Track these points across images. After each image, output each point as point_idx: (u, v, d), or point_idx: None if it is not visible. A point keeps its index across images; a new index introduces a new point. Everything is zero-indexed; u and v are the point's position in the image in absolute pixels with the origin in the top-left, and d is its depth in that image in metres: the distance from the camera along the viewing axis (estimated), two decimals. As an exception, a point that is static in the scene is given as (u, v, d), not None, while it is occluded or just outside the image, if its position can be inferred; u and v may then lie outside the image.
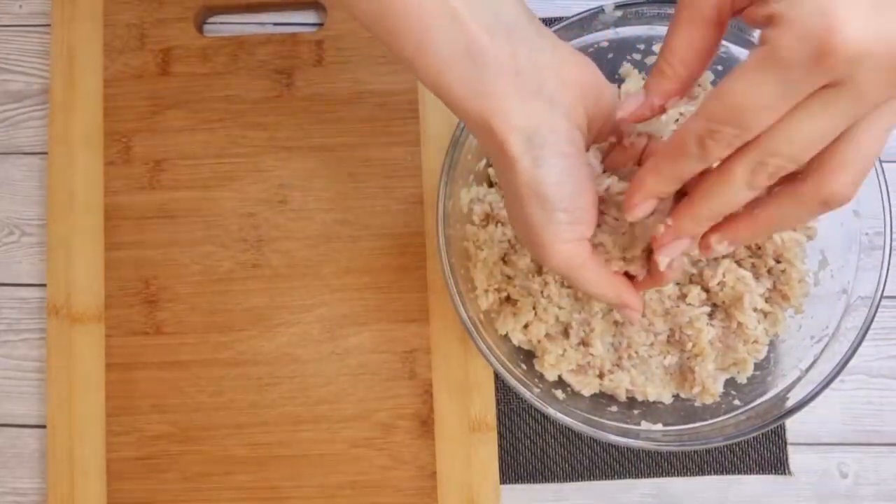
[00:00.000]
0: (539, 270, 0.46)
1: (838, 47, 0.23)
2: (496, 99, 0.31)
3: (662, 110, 0.31)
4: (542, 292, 0.46)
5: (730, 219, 0.31)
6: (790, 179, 0.29)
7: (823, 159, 0.27)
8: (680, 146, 0.28)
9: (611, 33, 0.45)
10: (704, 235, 0.32)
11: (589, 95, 0.32)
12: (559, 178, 0.31)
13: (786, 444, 0.51)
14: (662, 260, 0.32)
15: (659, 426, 0.44)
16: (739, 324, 0.44)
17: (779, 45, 0.24)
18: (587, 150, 0.34)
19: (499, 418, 0.51)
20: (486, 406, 0.50)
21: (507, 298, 0.47)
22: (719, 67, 0.47)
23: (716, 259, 0.45)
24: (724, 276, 0.44)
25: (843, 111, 0.25)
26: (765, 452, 0.50)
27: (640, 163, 0.35)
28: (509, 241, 0.46)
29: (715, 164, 0.29)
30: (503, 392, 0.51)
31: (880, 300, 0.42)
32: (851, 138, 0.26)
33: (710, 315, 0.45)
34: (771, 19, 0.25)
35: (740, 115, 0.26)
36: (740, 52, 0.45)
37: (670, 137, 0.29)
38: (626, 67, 0.48)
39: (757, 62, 0.25)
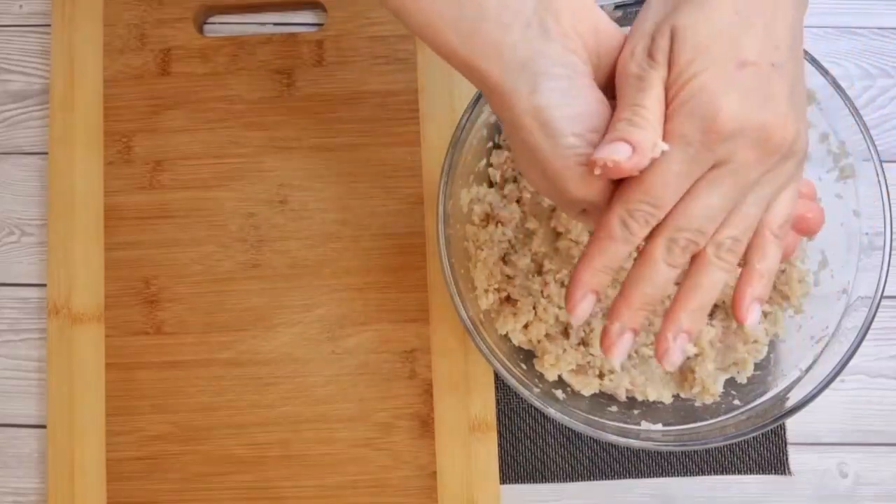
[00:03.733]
0: (539, 270, 0.46)
1: (720, 124, 0.29)
2: (484, 39, 0.31)
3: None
4: (542, 292, 0.46)
5: (669, 311, 0.33)
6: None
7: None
8: (606, 232, 0.31)
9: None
10: (659, 343, 0.33)
11: (586, 27, 0.32)
12: (561, 100, 0.31)
13: (786, 444, 0.51)
14: (615, 362, 0.33)
15: (659, 426, 0.44)
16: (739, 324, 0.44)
17: (676, 126, 0.30)
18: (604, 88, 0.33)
19: (499, 418, 0.51)
20: (486, 406, 0.50)
21: (507, 298, 0.47)
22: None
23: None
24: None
25: (728, 185, 0.30)
26: (765, 452, 0.50)
27: None
28: (509, 241, 0.47)
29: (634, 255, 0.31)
30: (503, 392, 0.51)
31: (880, 300, 0.42)
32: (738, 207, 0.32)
33: (710, 315, 0.45)
34: (668, 108, 0.30)
35: (651, 193, 0.30)
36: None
37: (595, 231, 0.32)
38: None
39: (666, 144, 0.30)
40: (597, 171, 0.30)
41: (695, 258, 0.32)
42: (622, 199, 0.31)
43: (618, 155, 0.29)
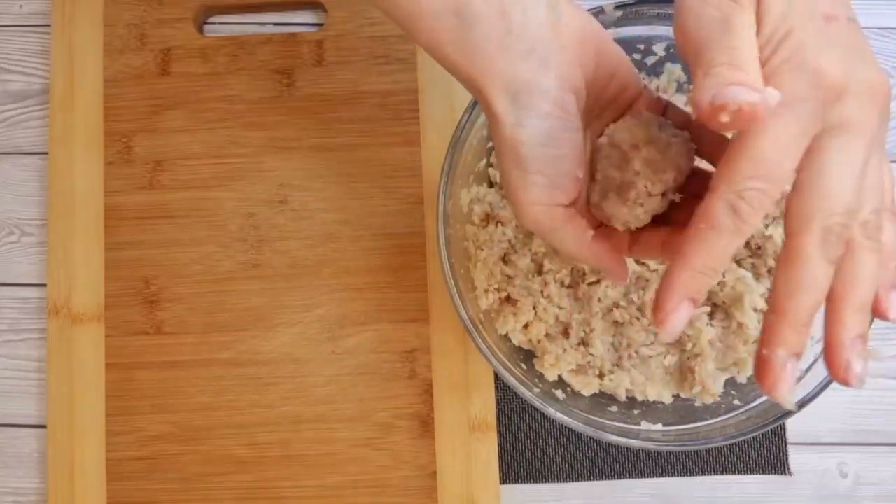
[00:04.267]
0: (539, 270, 0.46)
1: (828, 82, 0.26)
2: (484, 59, 0.31)
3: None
4: (542, 292, 0.46)
5: (831, 317, 0.28)
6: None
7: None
8: (710, 222, 0.26)
9: (611, 33, 0.45)
10: (835, 356, 0.27)
11: (589, 54, 0.32)
12: (539, 140, 0.31)
13: (786, 444, 0.51)
14: (788, 402, 0.27)
15: (659, 426, 0.44)
16: (739, 324, 0.44)
17: (783, 86, 0.25)
18: (591, 106, 0.34)
19: (499, 418, 0.51)
20: (486, 406, 0.50)
21: (507, 298, 0.47)
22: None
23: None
24: (724, 275, 0.44)
25: (859, 150, 0.26)
26: (765, 452, 0.50)
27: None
28: (509, 241, 0.46)
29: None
30: (503, 392, 0.51)
31: (880, 300, 0.42)
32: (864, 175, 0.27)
33: (710, 315, 0.45)
34: (764, 74, 0.26)
35: (765, 166, 0.25)
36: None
37: (690, 225, 0.27)
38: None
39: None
40: (724, 119, 0.25)
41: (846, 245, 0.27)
42: (726, 178, 0.26)
43: (751, 97, 0.24)
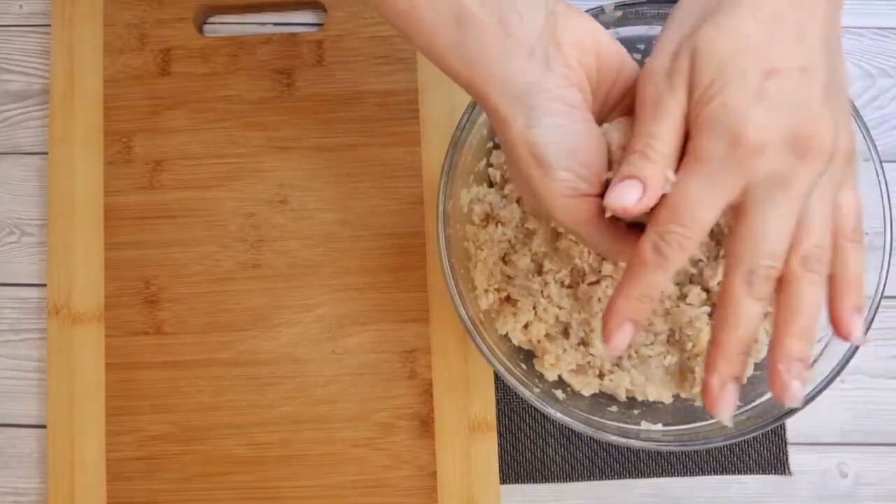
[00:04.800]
0: (539, 270, 0.46)
1: (746, 139, 0.28)
2: (485, 65, 0.31)
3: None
4: (542, 292, 0.46)
5: (773, 342, 0.31)
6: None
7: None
8: (639, 259, 0.30)
9: (610, 33, 0.45)
10: (775, 378, 0.31)
11: (589, 53, 0.32)
12: (555, 136, 0.31)
13: (786, 444, 0.51)
14: (725, 418, 0.31)
15: (659, 426, 0.44)
16: (739, 324, 0.44)
17: (699, 145, 0.29)
18: (598, 109, 0.34)
19: (499, 418, 0.51)
20: (486, 406, 0.50)
21: (507, 298, 0.47)
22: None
23: (716, 259, 0.45)
24: (724, 275, 0.44)
25: (784, 200, 0.29)
26: (765, 452, 0.50)
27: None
28: (509, 241, 0.46)
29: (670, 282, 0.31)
30: (503, 392, 0.51)
31: (880, 300, 0.42)
32: (804, 218, 0.30)
33: (710, 315, 0.45)
34: (694, 130, 0.30)
35: (679, 214, 0.29)
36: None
37: (629, 258, 0.31)
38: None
39: (685, 166, 0.30)
40: (608, 215, 0.31)
41: (781, 282, 0.30)
42: (653, 223, 0.30)
43: (627, 201, 0.30)
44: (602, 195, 0.33)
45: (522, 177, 0.33)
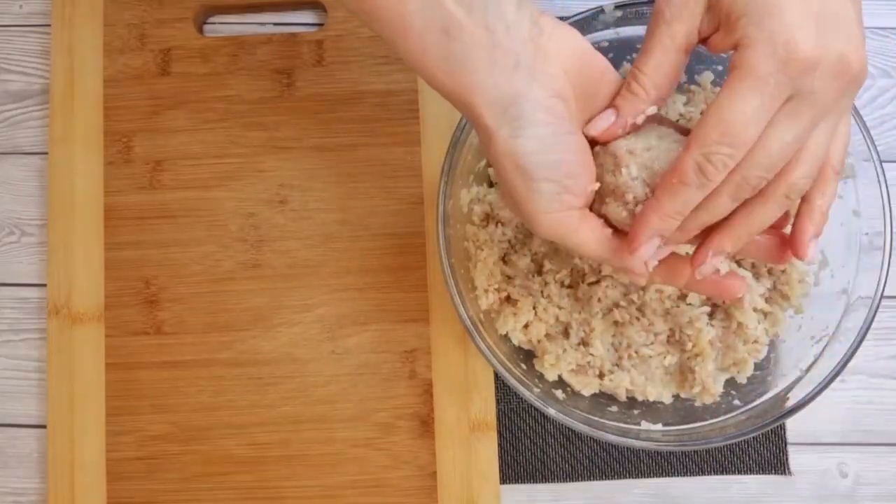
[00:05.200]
0: (539, 270, 0.46)
1: (799, 54, 0.28)
2: (471, 74, 0.31)
3: (634, 127, 0.33)
4: (542, 292, 0.46)
5: (711, 230, 0.33)
6: None
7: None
8: (679, 178, 0.30)
9: (611, 33, 0.45)
10: (698, 254, 0.33)
11: (573, 65, 0.32)
12: (539, 147, 0.31)
13: (786, 444, 0.51)
14: (639, 259, 0.33)
15: (659, 426, 0.44)
16: (739, 324, 0.44)
17: (752, 63, 0.29)
18: (583, 119, 0.34)
19: (499, 418, 0.51)
20: (486, 406, 0.50)
21: (507, 298, 0.47)
22: (719, 67, 0.47)
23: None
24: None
25: (806, 118, 0.29)
26: (765, 452, 0.50)
27: None
28: (509, 241, 0.46)
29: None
30: (503, 392, 0.51)
31: (880, 300, 0.42)
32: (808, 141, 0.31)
33: (710, 315, 0.45)
34: (739, 44, 0.30)
35: (731, 134, 0.29)
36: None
37: (666, 173, 0.31)
38: (626, 67, 0.48)
39: (736, 83, 0.29)
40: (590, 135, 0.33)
41: (761, 190, 0.31)
42: (698, 141, 0.30)
43: (595, 129, 0.32)
44: (589, 207, 0.33)
45: (507, 188, 0.33)
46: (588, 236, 0.33)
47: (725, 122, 0.29)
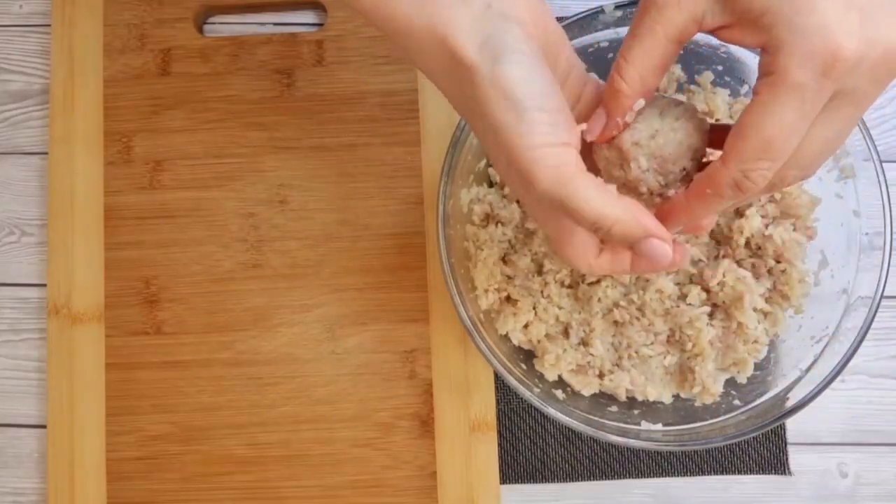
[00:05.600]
0: (539, 270, 0.46)
1: (842, 58, 0.25)
2: (444, 9, 0.29)
3: (626, 125, 0.31)
4: (542, 292, 0.46)
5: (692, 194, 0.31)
6: None
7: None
8: (715, 191, 0.29)
9: (611, 33, 0.45)
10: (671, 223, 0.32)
11: (535, 21, 0.30)
12: (525, 73, 0.28)
13: (786, 444, 0.51)
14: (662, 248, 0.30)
15: (659, 426, 0.44)
16: (739, 324, 0.44)
17: (786, 70, 0.26)
18: None
19: (499, 418, 0.51)
20: (486, 406, 0.50)
21: (507, 298, 0.47)
22: (719, 68, 0.47)
23: (716, 258, 0.45)
24: (724, 276, 0.44)
25: (848, 115, 0.27)
26: (765, 452, 0.50)
27: None
28: (509, 241, 0.46)
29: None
30: (503, 392, 0.51)
31: (880, 300, 0.42)
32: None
33: (710, 315, 0.45)
34: (767, 46, 0.27)
35: (771, 147, 0.27)
36: (739, 52, 0.45)
37: (698, 181, 0.29)
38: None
39: (772, 92, 0.27)
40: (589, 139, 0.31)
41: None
42: (736, 156, 0.27)
43: (591, 135, 0.31)
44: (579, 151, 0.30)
45: (493, 132, 0.29)
46: (592, 186, 0.29)
47: (764, 137, 0.27)
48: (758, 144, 0.27)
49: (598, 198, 0.28)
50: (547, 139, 0.28)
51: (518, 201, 0.47)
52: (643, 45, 0.29)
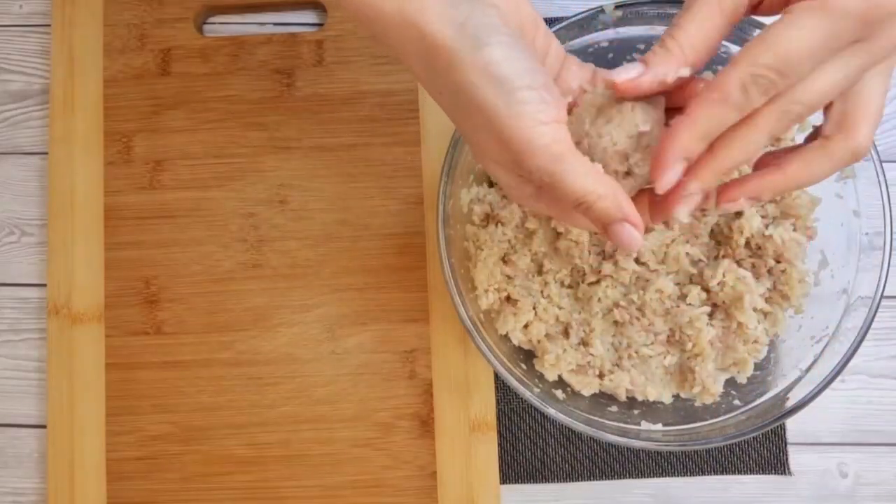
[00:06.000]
0: (539, 270, 0.46)
1: (883, 4, 0.26)
2: None
3: (663, 85, 0.30)
4: (542, 292, 0.46)
5: (756, 174, 0.31)
6: (814, 136, 0.31)
7: (848, 114, 0.30)
8: (721, 94, 0.28)
9: (611, 33, 0.45)
10: (728, 189, 0.31)
11: (511, 5, 0.30)
12: (509, 53, 0.28)
13: (786, 444, 0.51)
14: (682, 212, 0.31)
15: (659, 426, 0.44)
16: (739, 324, 0.44)
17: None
18: None
19: (499, 418, 0.51)
20: (486, 406, 0.50)
21: (507, 298, 0.47)
22: (718, 68, 0.47)
23: (716, 258, 0.45)
24: (724, 276, 0.44)
25: (861, 63, 0.28)
26: (765, 452, 0.50)
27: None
28: (509, 241, 0.46)
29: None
30: (503, 392, 0.51)
31: (880, 300, 0.42)
32: (866, 95, 0.29)
33: (710, 315, 0.45)
34: None
35: (787, 62, 0.27)
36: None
37: (707, 87, 0.29)
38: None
39: (809, 13, 0.27)
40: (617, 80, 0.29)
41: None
42: (748, 59, 0.27)
43: (621, 75, 0.29)
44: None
45: (481, 115, 0.29)
46: (582, 163, 0.29)
47: (783, 49, 0.27)
48: (775, 54, 0.27)
49: (587, 175, 0.29)
50: (539, 117, 0.28)
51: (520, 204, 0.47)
52: (701, 14, 0.29)
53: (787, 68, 0.27)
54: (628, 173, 0.32)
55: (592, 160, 0.31)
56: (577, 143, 0.31)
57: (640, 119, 0.31)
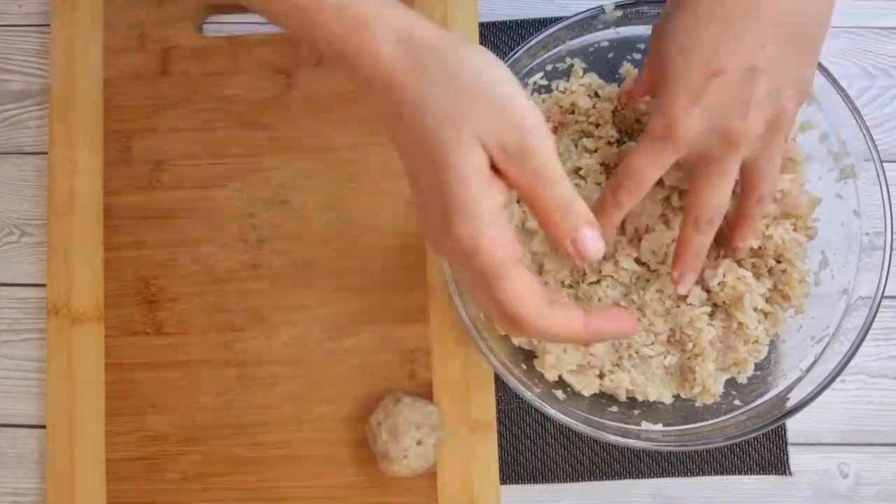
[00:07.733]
0: (539, 270, 0.46)
1: (676, 132, 0.35)
2: (362, 8, 0.30)
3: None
4: (542, 292, 0.46)
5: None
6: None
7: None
8: (601, 200, 0.39)
9: (611, 33, 0.45)
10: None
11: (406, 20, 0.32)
12: (480, 64, 0.30)
13: (786, 444, 0.51)
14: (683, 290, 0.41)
15: (659, 426, 0.44)
16: (740, 324, 0.44)
17: (650, 126, 0.36)
18: None
19: (499, 418, 0.51)
20: (486, 406, 0.50)
21: (508, 298, 0.46)
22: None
23: (716, 258, 0.45)
24: (724, 276, 0.44)
25: (728, 167, 0.36)
26: (765, 452, 0.50)
27: None
28: (509, 241, 0.46)
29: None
30: (503, 392, 0.51)
31: (881, 300, 0.42)
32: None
33: (711, 315, 0.45)
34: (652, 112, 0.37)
35: (629, 172, 0.37)
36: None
37: (603, 194, 0.39)
38: (626, 67, 0.48)
39: (641, 138, 0.37)
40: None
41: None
42: (614, 173, 0.40)
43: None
44: None
45: (425, 155, 0.30)
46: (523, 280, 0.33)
47: (627, 163, 0.37)
48: (623, 167, 0.37)
49: (529, 295, 0.32)
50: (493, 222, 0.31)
51: (518, 201, 0.47)
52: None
53: (630, 176, 0.37)
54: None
55: None
56: None
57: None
